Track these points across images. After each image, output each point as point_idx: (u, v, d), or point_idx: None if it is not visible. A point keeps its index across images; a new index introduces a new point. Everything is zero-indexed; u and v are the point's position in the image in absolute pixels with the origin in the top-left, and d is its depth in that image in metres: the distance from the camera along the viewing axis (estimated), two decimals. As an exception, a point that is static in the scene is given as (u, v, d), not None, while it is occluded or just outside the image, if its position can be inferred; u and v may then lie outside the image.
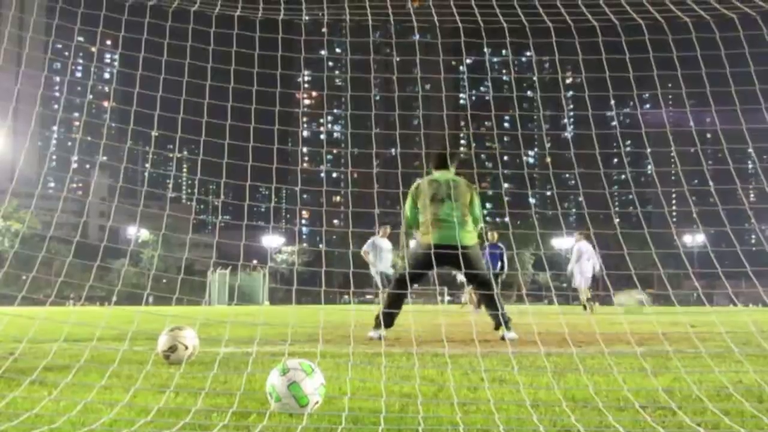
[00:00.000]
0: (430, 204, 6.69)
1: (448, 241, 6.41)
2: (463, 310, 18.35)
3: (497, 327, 6.67)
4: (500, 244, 16.49)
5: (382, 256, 14.40)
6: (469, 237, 6.67)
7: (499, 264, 16.27)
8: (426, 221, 6.72)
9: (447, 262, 6.60)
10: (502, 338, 6.36)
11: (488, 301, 6.79)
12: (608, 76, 5.21)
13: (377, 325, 6.59)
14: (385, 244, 14.52)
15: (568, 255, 17.29)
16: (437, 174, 7.03)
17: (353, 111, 6.21)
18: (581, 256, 16.29)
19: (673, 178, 6.96)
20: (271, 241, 68.90)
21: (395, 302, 6.76)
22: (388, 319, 6.63)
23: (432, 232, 6.62)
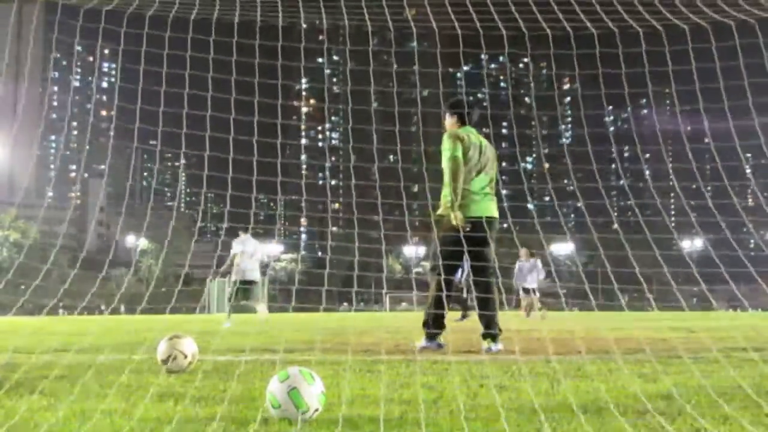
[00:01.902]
0: (470, 175, 5.87)
1: (484, 213, 5.84)
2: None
3: (485, 336, 5.78)
4: None
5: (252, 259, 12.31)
6: (497, 209, 6.07)
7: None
8: (464, 194, 5.83)
9: (476, 238, 5.71)
10: (488, 350, 5.60)
11: (483, 301, 5.83)
12: (609, 77, 5.24)
13: (430, 336, 5.87)
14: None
15: (567, 261, 17.64)
16: (464, 132, 6.02)
17: (352, 117, 6.21)
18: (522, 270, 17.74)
19: (671, 182, 6.93)
20: (270, 249, 68.82)
21: (441, 301, 5.91)
22: (439, 323, 5.90)
23: (468, 206, 5.81)
